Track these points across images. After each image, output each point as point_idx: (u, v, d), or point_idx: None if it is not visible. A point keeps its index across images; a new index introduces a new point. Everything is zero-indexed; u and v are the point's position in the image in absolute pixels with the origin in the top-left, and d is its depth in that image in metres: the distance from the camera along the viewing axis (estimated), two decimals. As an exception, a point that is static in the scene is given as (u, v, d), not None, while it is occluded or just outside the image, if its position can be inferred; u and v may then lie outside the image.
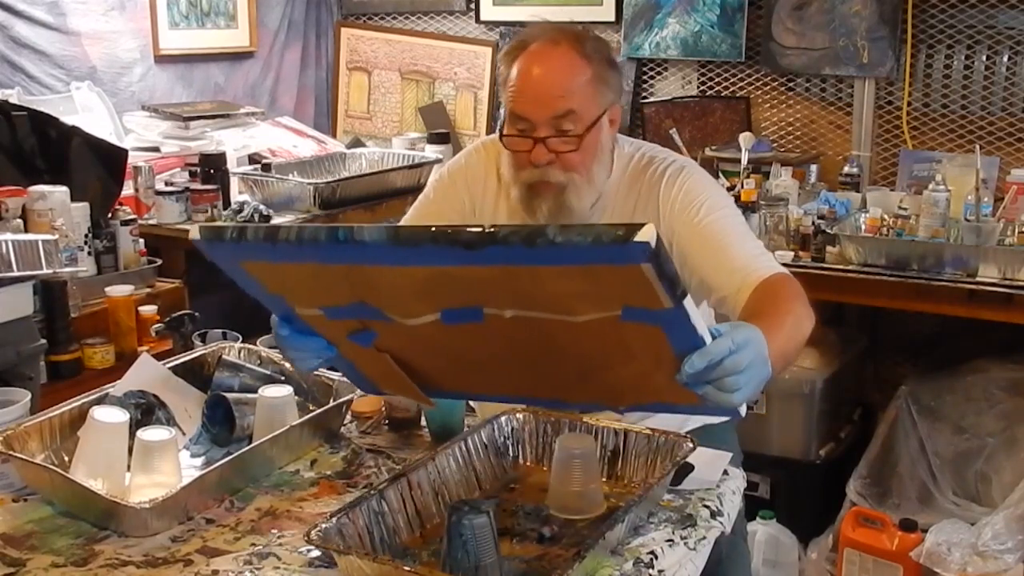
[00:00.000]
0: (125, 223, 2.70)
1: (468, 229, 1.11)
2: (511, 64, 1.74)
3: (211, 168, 3.10)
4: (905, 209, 2.86)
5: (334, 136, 4.25)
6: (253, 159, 3.49)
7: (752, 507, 2.66)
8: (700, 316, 1.15)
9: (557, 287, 1.15)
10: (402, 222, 2.00)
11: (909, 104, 3.36)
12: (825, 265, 2.80)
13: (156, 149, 3.35)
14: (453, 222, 1.79)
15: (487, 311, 1.24)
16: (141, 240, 2.77)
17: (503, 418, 1.61)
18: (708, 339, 1.17)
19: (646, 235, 1.02)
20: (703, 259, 1.70)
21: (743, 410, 1.29)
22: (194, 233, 1.27)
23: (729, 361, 1.18)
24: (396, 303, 1.28)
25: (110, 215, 2.70)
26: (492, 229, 1.09)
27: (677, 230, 1.73)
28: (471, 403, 1.82)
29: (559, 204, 1.74)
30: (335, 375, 1.78)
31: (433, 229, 1.14)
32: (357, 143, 4.13)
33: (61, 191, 2.43)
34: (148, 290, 2.69)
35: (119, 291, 2.48)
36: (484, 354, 1.35)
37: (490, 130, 3.90)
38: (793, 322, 1.50)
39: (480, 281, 1.19)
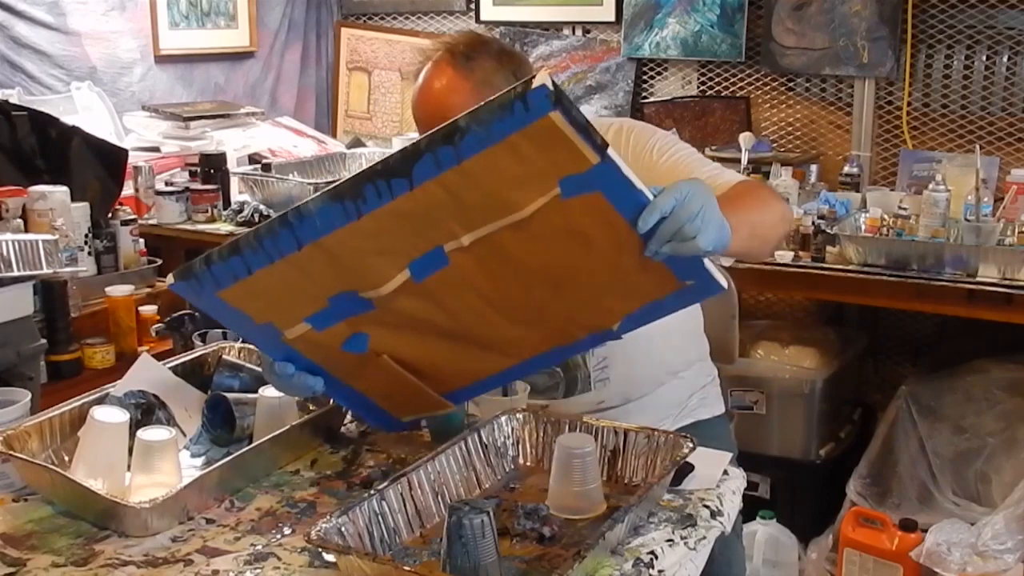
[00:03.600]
0: (125, 223, 2.70)
1: (392, 156, 1.18)
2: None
3: (211, 168, 3.11)
4: (905, 209, 2.86)
5: (334, 136, 4.25)
6: (253, 159, 3.49)
7: (752, 507, 2.66)
8: (635, 175, 1.20)
9: (491, 181, 1.19)
10: None
11: (909, 104, 3.36)
12: (825, 265, 2.80)
13: (156, 149, 3.35)
14: None
15: (448, 248, 1.27)
16: (141, 240, 2.77)
17: (503, 418, 1.60)
18: (651, 196, 1.23)
19: (541, 79, 1.08)
20: (664, 176, 1.68)
21: (723, 282, 1.31)
22: (169, 280, 1.36)
23: (680, 208, 1.23)
24: (365, 273, 1.32)
25: (110, 215, 2.70)
26: (412, 144, 1.17)
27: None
28: (471, 402, 1.82)
29: None
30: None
31: (363, 170, 1.22)
32: (357, 143, 4.13)
33: (61, 191, 2.42)
34: (148, 290, 2.69)
35: (119, 291, 2.48)
36: (469, 316, 1.38)
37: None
38: (754, 199, 1.56)
39: (424, 211, 1.23)
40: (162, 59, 3.61)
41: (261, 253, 1.29)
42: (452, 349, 1.44)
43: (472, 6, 4.08)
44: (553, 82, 1.09)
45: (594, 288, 1.35)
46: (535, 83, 1.08)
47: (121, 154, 2.81)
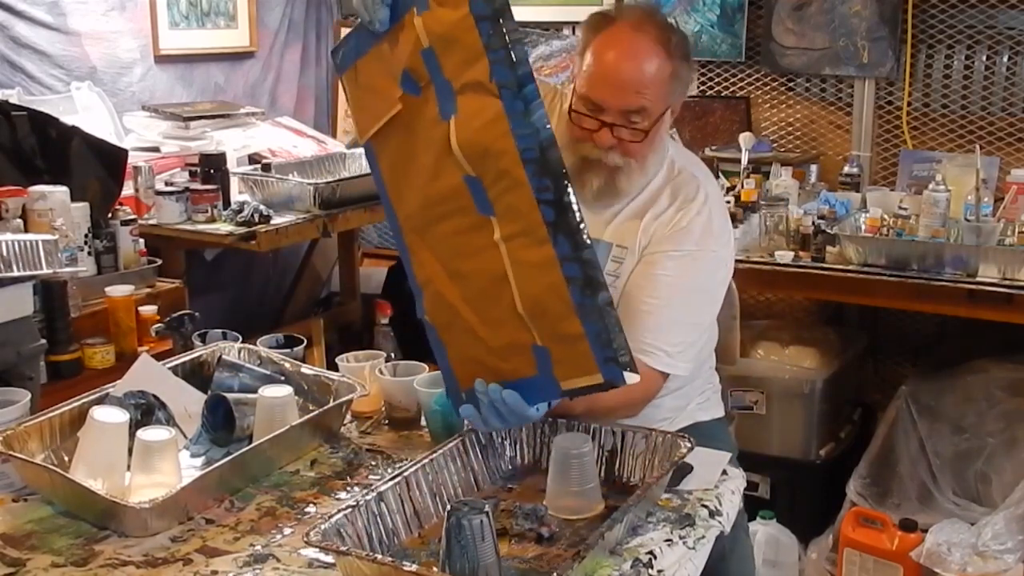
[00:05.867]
0: (125, 223, 2.70)
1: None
2: (591, 39, 1.74)
3: (211, 168, 3.10)
4: (905, 209, 2.86)
5: (334, 136, 4.24)
6: (253, 159, 3.48)
7: (752, 507, 2.65)
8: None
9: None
10: None
11: (909, 104, 3.36)
12: (825, 265, 2.80)
13: (156, 149, 3.34)
14: None
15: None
16: (141, 240, 2.76)
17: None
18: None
19: None
20: (633, 301, 1.75)
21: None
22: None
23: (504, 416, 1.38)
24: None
25: (110, 215, 2.70)
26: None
27: (657, 248, 1.78)
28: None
29: (609, 184, 1.77)
30: (335, 375, 1.78)
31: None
32: (357, 143, 4.12)
33: (61, 191, 2.42)
34: (148, 290, 2.69)
35: (119, 291, 2.48)
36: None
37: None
38: (599, 408, 1.61)
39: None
40: (162, 59, 3.61)
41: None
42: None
43: (472, 6, 4.08)
44: None
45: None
46: None
47: (121, 154, 2.81)
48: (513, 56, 1.29)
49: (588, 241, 1.29)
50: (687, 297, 1.75)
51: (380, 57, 1.51)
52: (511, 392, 1.33)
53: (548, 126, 1.29)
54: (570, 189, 1.29)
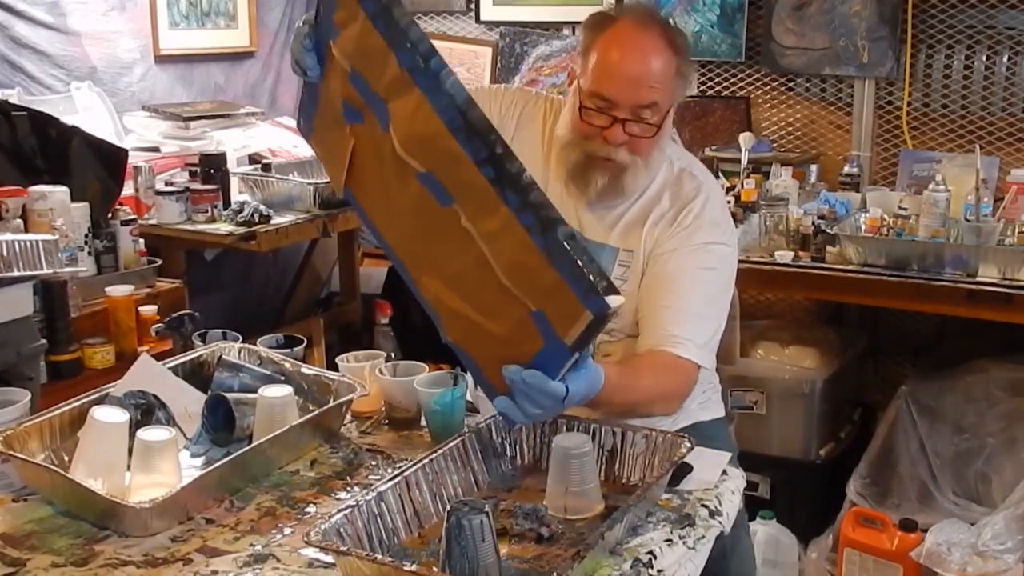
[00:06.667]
0: (125, 223, 2.70)
1: None
2: (595, 37, 1.75)
3: (211, 168, 3.10)
4: (905, 209, 2.86)
5: (334, 136, 4.24)
6: (253, 159, 3.49)
7: (752, 507, 2.65)
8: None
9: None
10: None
11: (909, 104, 3.36)
12: (825, 265, 2.80)
13: (156, 149, 3.34)
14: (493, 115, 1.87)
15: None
16: (141, 240, 2.76)
17: (501, 418, 1.60)
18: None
19: None
20: (653, 299, 1.76)
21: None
22: None
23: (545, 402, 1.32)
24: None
25: (110, 215, 2.70)
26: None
27: (666, 248, 1.79)
28: (471, 401, 1.82)
29: (613, 182, 1.78)
30: (335, 375, 1.78)
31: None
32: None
33: (61, 191, 2.42)
34: (148, 290, 2.69)
35: (119, 291, 2.48)
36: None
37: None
38: (637, 400, 1.63)
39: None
40: (162, 59, 3.61)
41: None
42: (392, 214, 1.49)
43: (472, 6, 4.08)
44: None
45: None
46: None
47: (121, 154, 2.81)
48: (410, 37, 1.30)
49: (531, 181, 1.28)
50: (704, 290, 1.76)
51: (326, 104, 1.53)
52: (530, 372, 1.31)
53: (463, 90, 1.30)
54: (499, 139, 1.28)
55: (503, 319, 1.37)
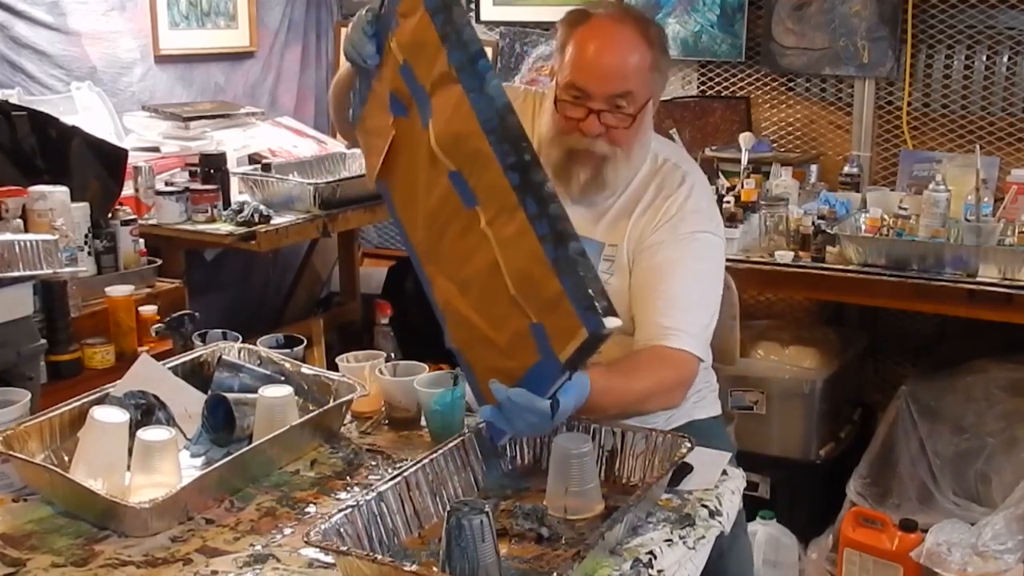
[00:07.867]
0: (125, 223, 2.70)
1: None
2: (571, 32, 1.77)
3: (211, 168, 3.10)
4: (905, 209, 2.86)
5: (334, 136, 4.24)
6: (253, 159, 3.48)
7: (752, 507, 2.65)
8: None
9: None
10: None
11: (909, 104, 3.36)
12: (825, 265, 2.80)
13: (156, 149, 3.34)
14: None
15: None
16: (141, 240, 2.76)
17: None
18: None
19: None
20: (643, 294, 1.77)
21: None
22: None
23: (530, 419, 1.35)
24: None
25: (110, 215, 2.69)
26: None
27: (652, 240, 1.80)
28: (470, 402, 1.82)
29: (596, 176, 1.79)
30: (335, 375, 1.78)
31: None
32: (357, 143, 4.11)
33: (61, 191, 2.42)
34: (148, 290, 2.69)
35: (119, 291, 2.48)
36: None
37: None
38: (629, 400, 1.63)
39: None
40: (162, 59, 3.61)
41: None
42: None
43: (472, 6, 4.08)
44: None
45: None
46: None
47: (121, 154, 2.81)
48: (464, 36, 1.34)
49: (553, 193, 1.30)
50: (694, 279, 1.77)
51: (375, 96, 1.57)
52: (517, 390, 1.33)
53: (504, 95, 1.33)
54: (529, 147, 1.31)
55: (505, 330, 1.38)
